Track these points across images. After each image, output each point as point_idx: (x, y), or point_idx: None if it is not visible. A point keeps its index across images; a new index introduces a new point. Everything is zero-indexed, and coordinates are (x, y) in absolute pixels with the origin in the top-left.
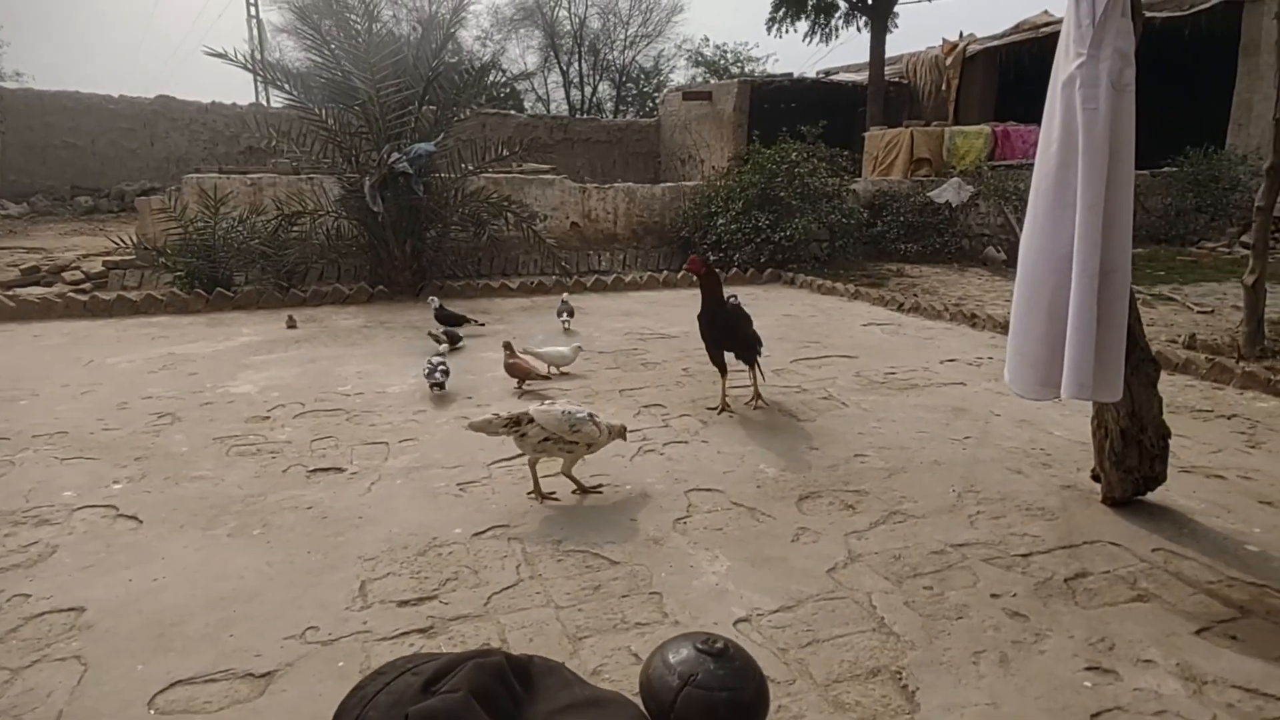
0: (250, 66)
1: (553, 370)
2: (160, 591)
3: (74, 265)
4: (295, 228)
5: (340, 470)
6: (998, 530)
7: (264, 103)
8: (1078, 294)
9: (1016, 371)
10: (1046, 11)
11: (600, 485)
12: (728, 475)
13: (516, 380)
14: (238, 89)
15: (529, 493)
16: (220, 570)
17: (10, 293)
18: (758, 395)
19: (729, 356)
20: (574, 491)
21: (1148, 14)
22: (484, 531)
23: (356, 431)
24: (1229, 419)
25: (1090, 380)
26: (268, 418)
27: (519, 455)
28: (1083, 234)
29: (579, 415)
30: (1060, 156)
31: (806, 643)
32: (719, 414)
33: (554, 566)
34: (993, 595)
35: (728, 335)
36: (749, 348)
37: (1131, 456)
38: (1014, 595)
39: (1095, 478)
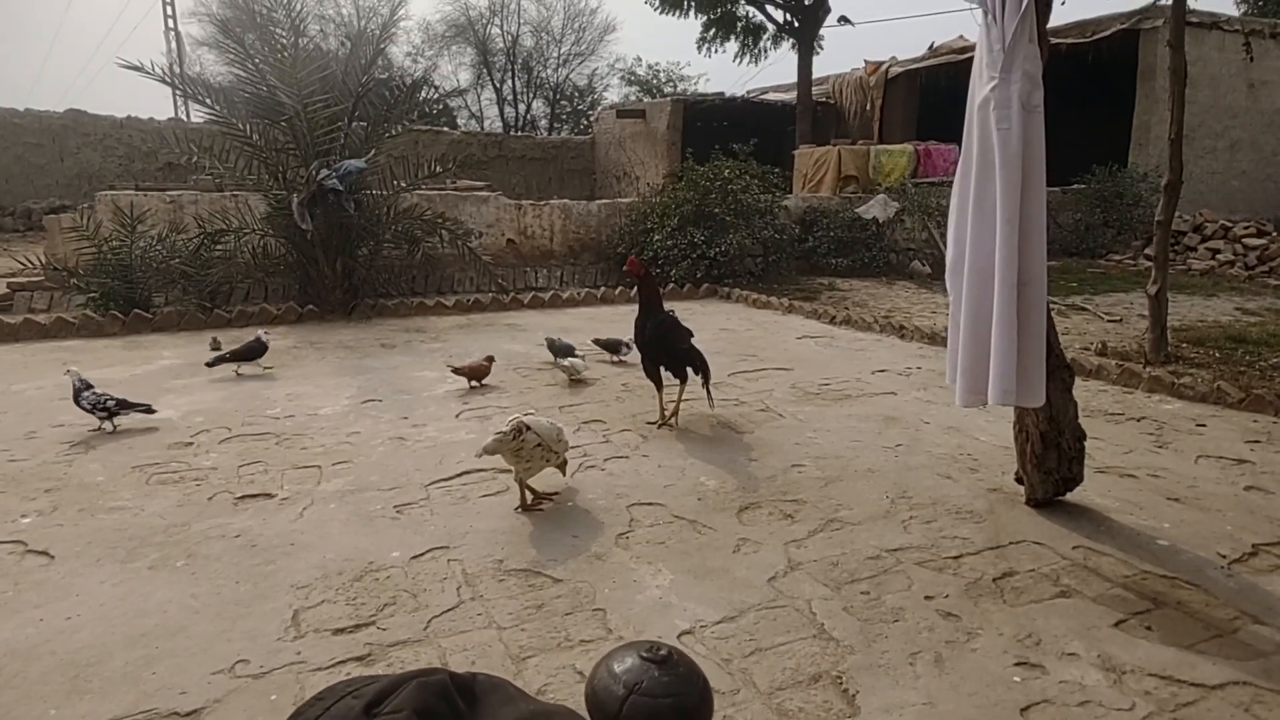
0: (169, 80)
1: (573, 375)
2: (75, 631)
3: None
4: (219, 246)
5: (270, 496)
6: (930, 534)
7: (184, 117)
8: (999, 304)
9: (953, 380)
10: (962, 36)
11: (554, 494)
12: (669, 489)
13: (470, 379)
14: (155, 103)
15: (516, 508)
16: (141, 605)
17: None
18: (673, 414)
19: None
20: (517, 509)
21: (1053, 40)
22: (423, 554)
23: (287, 455)
24: (1139, 421)
25: (1014, 386)
26: (191, 443)
27: (456, 476)
28: (1002, 247)
29: (559, 425)
30: (979, 173)
31: (750, 652)
32: (658, 427)
33: (495, 587)
34: (927, 597)
35: (660, 346)
36: (679, 362)
37: (1051, 459)
38: (946, 596)
39: (1019, 480)
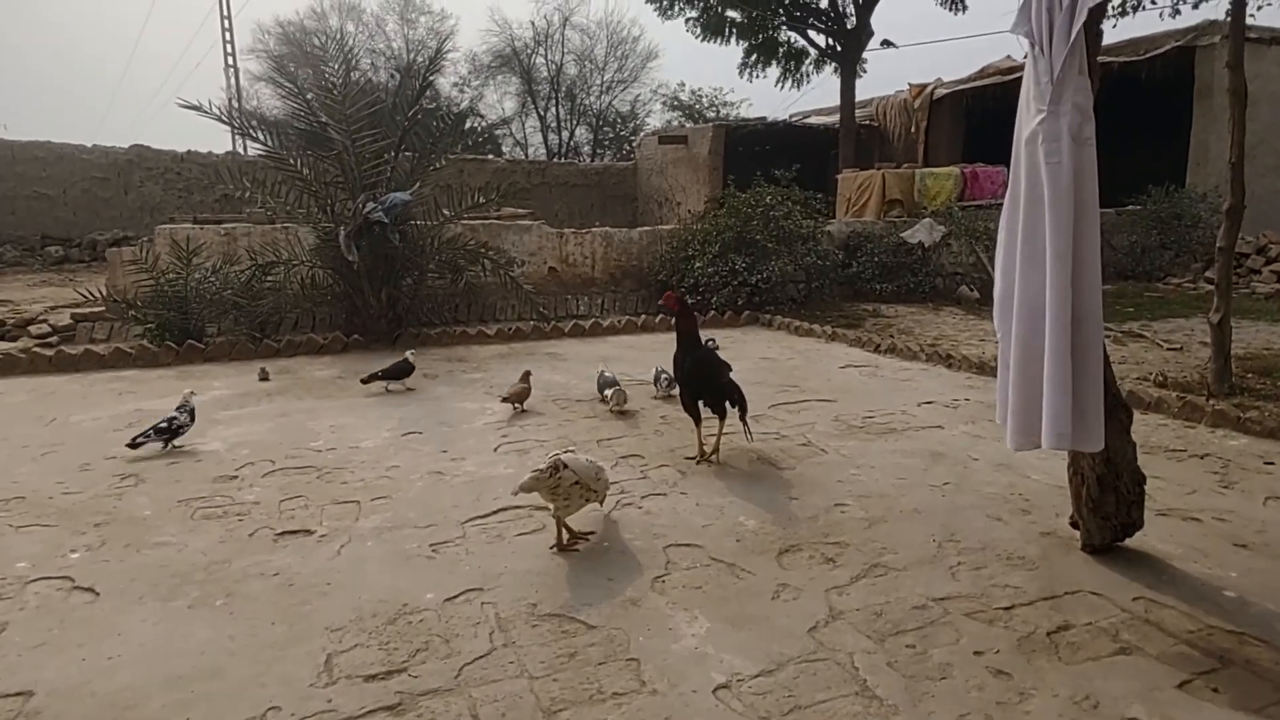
0: (224, 117)
1: (614, 407)
2: (115, 671)
3: (41, 318)
4: (269, 277)
5: (309, 532)
6: (979, 582)
7: (240, 151)
8: (1052, 343)
9: (1004, 420)
10: (1009, 56)
11: (590, 533)
12: (707, 529)
13: (515, 404)
14: (214, 137)
15: (551, 547)
16: (180, 646)
17: None
18: (714, 451)
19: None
20: (552, 547)
21: (1105, 59)
22: (456, 596)
23: (327, 490)
24: (1202, 458)
25: (1069, 430)
26: (235, 477)
27: (493, 513)
28: (1053, 284)
29: (599, 464)
30: (1028, 209)
31: (788, 710)
32: (697, 463)
33: (528, 632)
34: (976, 653)
35: (698, 381)
36: (718, 397)
37: (1109, 503)
38: (997, 652)
39: (1074, 524)
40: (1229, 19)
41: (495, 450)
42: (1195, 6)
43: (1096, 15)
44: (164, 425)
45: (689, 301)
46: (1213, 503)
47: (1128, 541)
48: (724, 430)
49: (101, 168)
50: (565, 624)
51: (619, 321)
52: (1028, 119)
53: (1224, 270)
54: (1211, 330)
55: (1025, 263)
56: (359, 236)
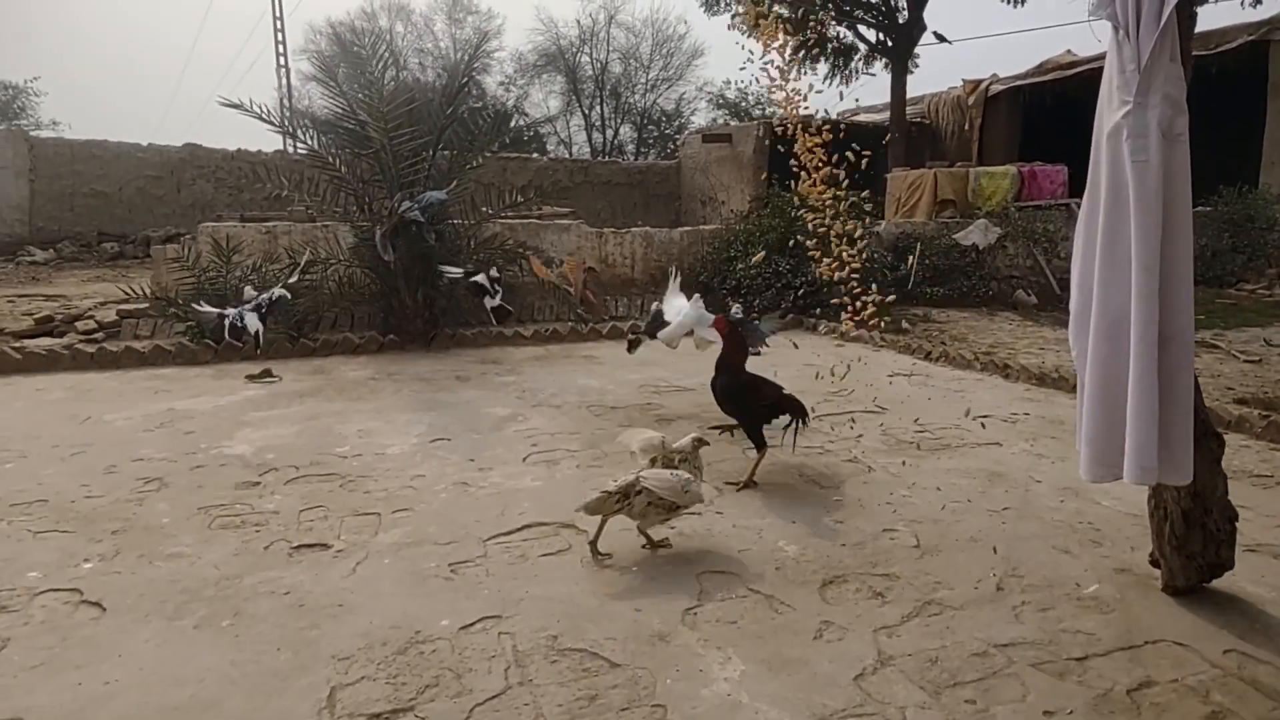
0: (263, 116)
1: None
2: (110, 699)
3: (88, 314)
4: (308, 276)
5: (326, 546)
6: (1046, 626)
7: (288, 150)
8: (1137, 366)
9: (1080, 449)
10: (1070, 50)
11: (667, 539)
12: (744, 554)
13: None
14: (264, 137)
15: (642, 545)
16: (180, 672)
17: (18, 344)
18: (748, 480)
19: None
20: (644, 545)
21: None
22: (473, 624)
23: (348, 500)
24: None
25: (1154, 464)
26: (258, 483)
27: (517, 530)
28: (1139, 298)
29: (687, 476)
30: (1109, 213)
31: None
32: (738, 490)
33: (547, 669)
34: (1046, 713)
35: (729, 404)
36: (751, 421)
37: (1195, 541)
38: (1070, 713)
39: (1154, 562)
40: None
41: (524, 460)
42: (1264, 33)
43: None
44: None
45: (731, 308)
46: None
47: (1215, 583)
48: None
49: (155, 166)
50: (587, 660)
51: None
52: (1110, 112)
53: None
54: None
55: (1106, 274)
56: (395, 235)
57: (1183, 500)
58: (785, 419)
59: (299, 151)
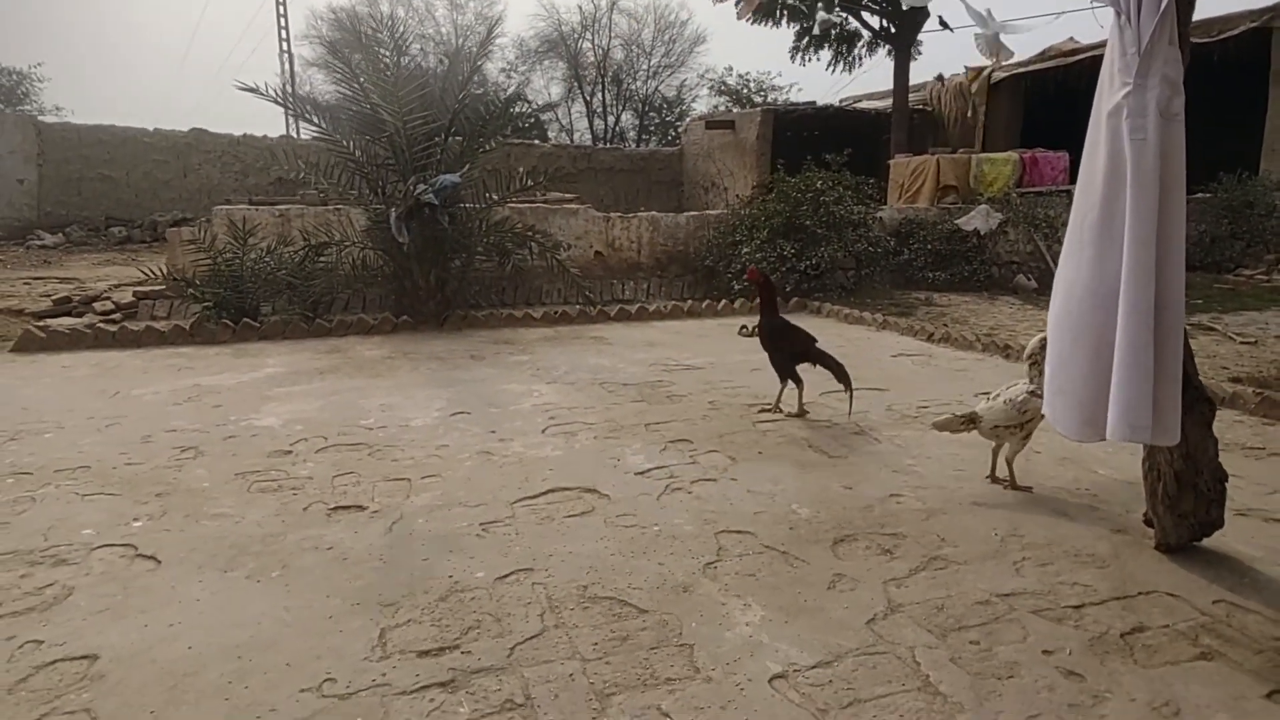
0: (280, 100)
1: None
2: (175, 639)
3: (105, 295)
4: (321, 258)
5: (361, 509)
6: (1046, 578)
7: (293, 135)
8: (1128, 332)
9: (1059, 411)
10: (1073, 38)
11: (1031, 487)
12: (759, 516)
13: None
14: (268, 121)
15: (987, 477)
16: (237, 616)
17: (41, 323)
18: (774, 407)
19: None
20: (1006, 486)
21: None
22: (507, 575)
23: (378, 467)
24: None
25: (1146, 422)
26: (290, 452)
27: (541, 494)
28: (1133, 269)
29: (1019, 397)
30: (1106, 188)
31: (848, 703)
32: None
33: (579, 614)
34: (1045, 652)
35: (767, 344)
36: (780, 360)
37: (1187, 501)
38: (1068, 652)
39: (1147, 522)
40: None
41: (543, 432)
42: (1266, 19)
43: None
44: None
45: (734, 288)
46: None
47: (1205, 542)
48: (787, 391)
49: (162, 151)
50: (616, 608)
51: (665, 306)
52: (1110, 92)
53: None
54: None
55: (1102, 246)
56: (409, 218)
57: (1175, 462)
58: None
59: (304, 136)
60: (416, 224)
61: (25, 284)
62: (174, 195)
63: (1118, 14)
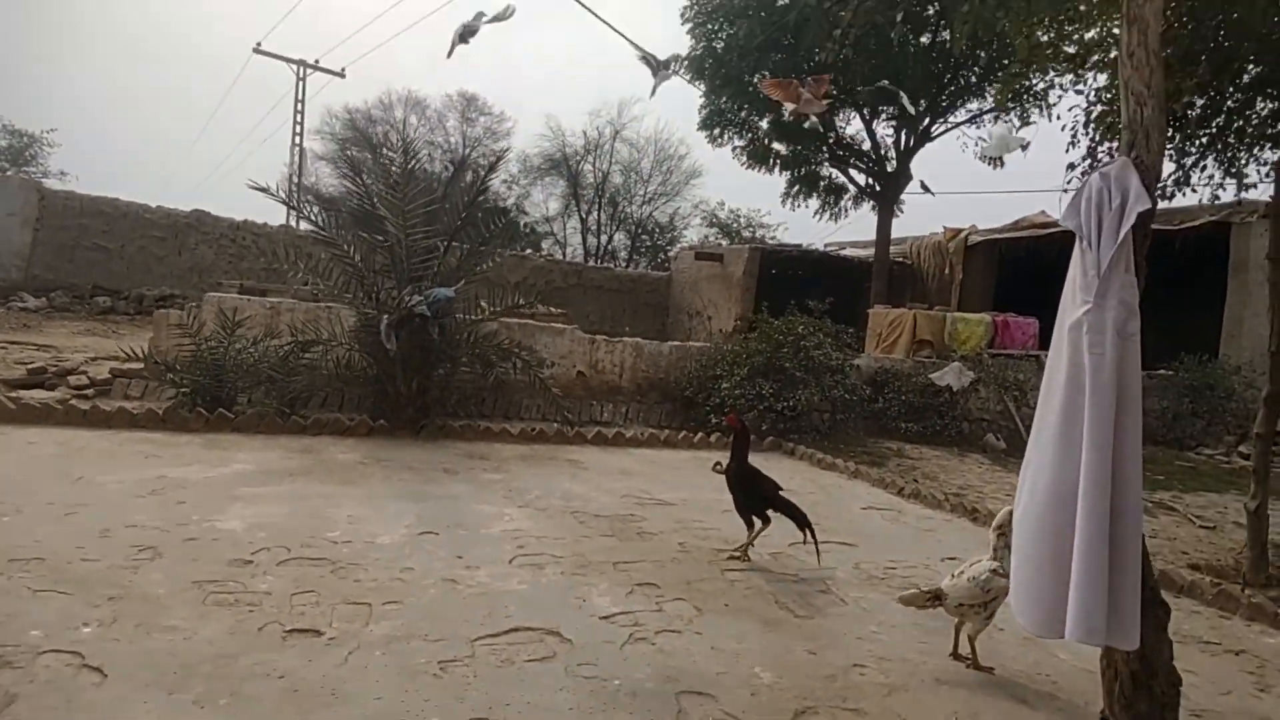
0: (289, 202)
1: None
2: None
3: (80, 369)
4: (307, 354)
5: (319, 633)
6: None
7: (293, 225)
8: (1087, 536)
9: (1022, 603)
10: (1044, 211)
11: (993, 668)
12: (721, 678)
13: None
14: (269, 208)
15: (950, 654)
16: None
17: (13, 394)
18: (742, 549)
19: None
20: (969, 665)
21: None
22: None
23: (340, 587)
24: (1237, 655)
25: (1102, 625)
26: (251, 561)
27: (504, 633)
28: (1091, 476)
29: (983, 575)
30: (1066, 396)
31: None
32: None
33: None
34: None
35: (734, 488)
36: (746, 504)
37: (1142, 702)
38: None
39: (1104, 718)
40: (1269, 201)
41: (510, 562)
42: (1237, 201)
43: (1145, 218)
44: None
45: (713, 422)
46: (1250, 706)
47: None
48: (758, 533)
49: (161, 228)
50: None
51: (642, 433)
52: (1072, 307)
53: (1262, 456)
54: (1249, 517)
55: (1061, 450)
56: (399, 326)
57: (1132, 663)
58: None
59: (304, 226)
60: (406, 332)
61: (1, 348)
62: (165, 271)
63: (1080, 239)
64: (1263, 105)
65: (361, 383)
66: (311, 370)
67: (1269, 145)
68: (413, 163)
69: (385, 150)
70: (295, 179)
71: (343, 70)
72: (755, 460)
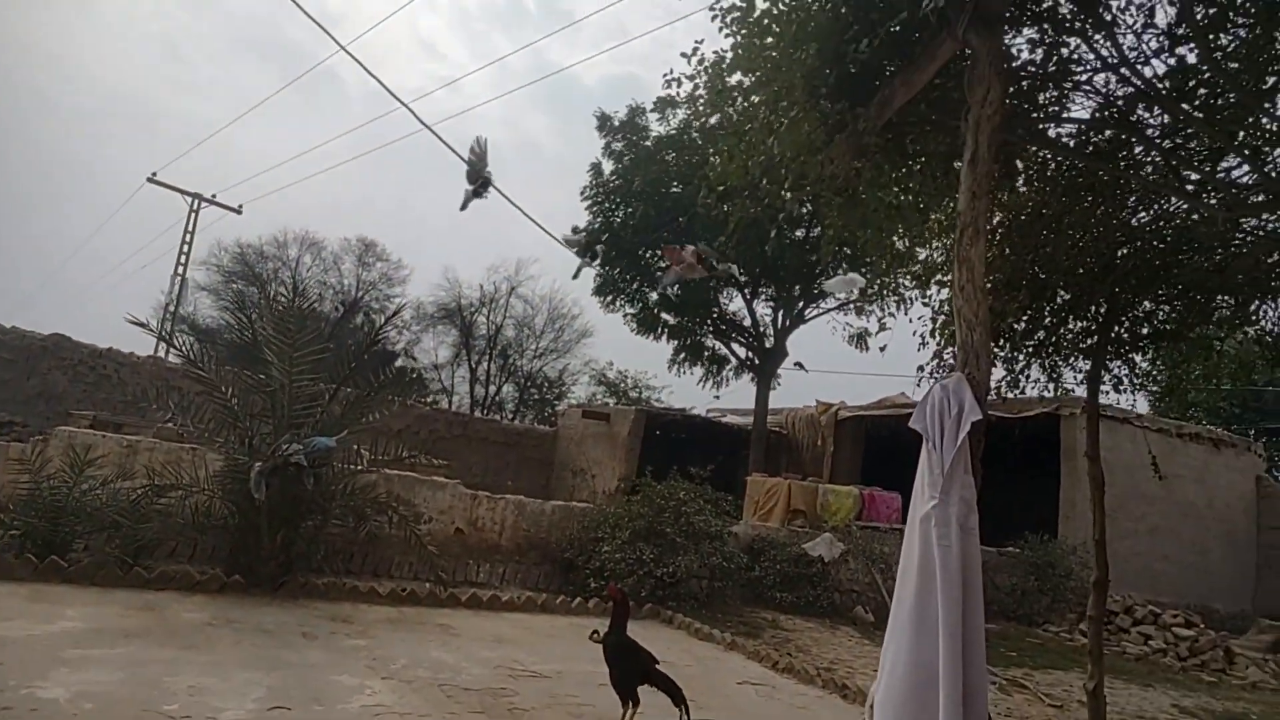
0: (161, 334)
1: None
2: None
3: None
4: (162, 499)
5: None
6: None
7: (162, 356)
8: (945, 714)
9: None
10: (904, 393)
11: None
12: None
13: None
14: (138, 337)
15: None
16: None
17: None
18: None
19: None
20: None
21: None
22: None
23: None
24: None
25: None
26: None
27: None
28: (945, 657)
29: None
30: (919, 583)
31: None
32: None
33: None
34: None
35: (610, 660)
36: (622, 679)
37: None
38: None
39: None
40: (1086, 402)
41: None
42: (1054, 408)
43: (978, 426)
44: None
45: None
46: None
47: None
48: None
49: (13, 350)
50: None
51: (519, 597)
52: (921, 501)
53: (1095, 638)
54: (1088, 697)
55: (917, 632)
56: (271, 474)
57: None
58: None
59: (174, 359)
60: (278, 480)
61: None
62: (7, 396)
63: (926, 440)
64: (1074, 324)
65: (220, 532)
66: (165, 517)
67: (1081, 357)
68: (305, 305)
69: (274, 287)
70: (172, 307)
71: (239, 206)
72: (633, 629)
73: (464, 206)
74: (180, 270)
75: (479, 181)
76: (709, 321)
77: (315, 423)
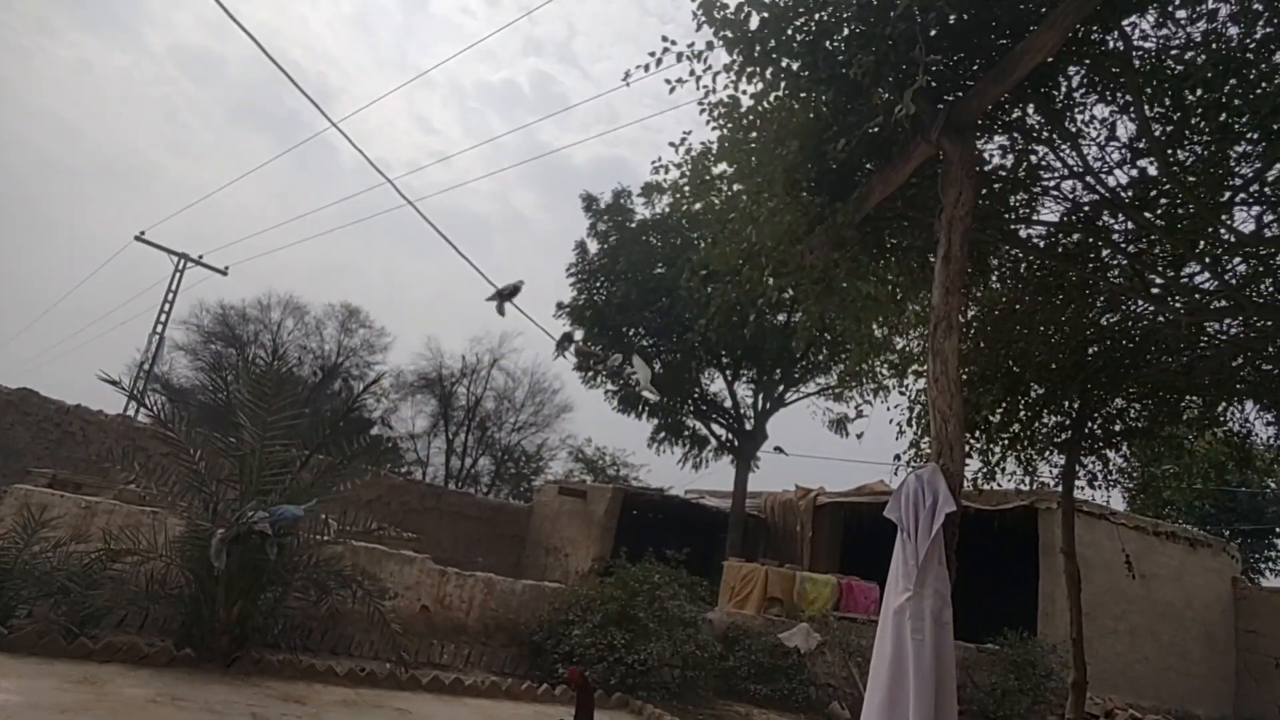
0: (142, 400)
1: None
2: None
3: None
4: (116, 565)
5: None
6: None
7: (132, 415)
8: None
9: None
10: (882, 481)
11: None
12: None
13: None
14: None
15: None
16: None
17: None
18: None
19: None
20: None
21: (963, 503)
22: None
23: None
24: None
25: None
26: None
27: None
28: None
29: None
30: (892, 675)
31: None
32: None
33: None
34: None
35: None
36: None
37: None
38: None
39: None
40: (1061, 499)
41: None
42: (1032, 501)
43: (952, 518)
44: None
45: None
46: None
47: None
48: None
49: None
50: None
51: (483, 681)
52: (895, 592)
53: None
54: None
55: None
56: (234, 542)
57: None
58: None
59: (143, 418)
60: (240, 549)
61: None
62: None
63: (901, 529)
64: (1048, 418)
65: (174, 602)
66: (118, 584)
67: (1056, 451)
68: (284, 368)
69: (253, 350)
70: (147, 366)
71: (225, 268)
72: None
73: (501, 311)
74: (159, 328)
75: (510, 290)
76: (690, 401)
77: (284, 489)
